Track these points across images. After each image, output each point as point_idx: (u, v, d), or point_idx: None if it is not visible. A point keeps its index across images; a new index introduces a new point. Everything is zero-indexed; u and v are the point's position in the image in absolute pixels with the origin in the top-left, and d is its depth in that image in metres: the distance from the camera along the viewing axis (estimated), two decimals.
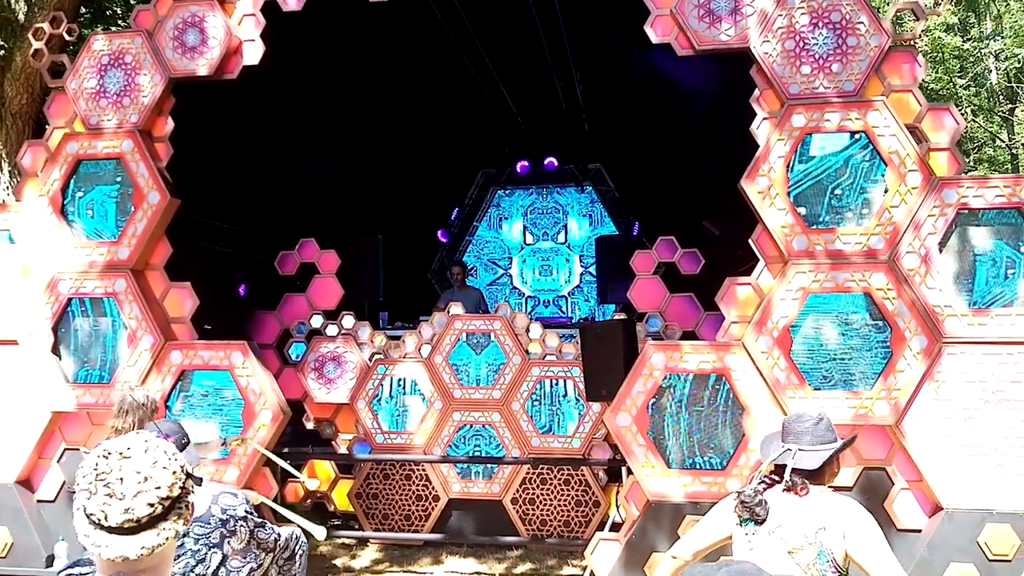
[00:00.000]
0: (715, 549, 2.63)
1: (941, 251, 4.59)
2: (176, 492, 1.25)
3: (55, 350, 5.54)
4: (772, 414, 4.56)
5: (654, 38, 5.09)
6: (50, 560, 5.36)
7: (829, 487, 2.56)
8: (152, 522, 1.23)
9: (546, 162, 11.17)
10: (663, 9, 5.05)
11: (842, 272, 4.65)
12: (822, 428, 2.60)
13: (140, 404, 3.98)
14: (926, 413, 4.49)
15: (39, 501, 5.53)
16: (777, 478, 2.53)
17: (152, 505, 1.22)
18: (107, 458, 1.23)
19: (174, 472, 1.26)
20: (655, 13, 5.08)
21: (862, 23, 4.79)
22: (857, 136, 4.75)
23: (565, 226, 11.35)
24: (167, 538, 1.24)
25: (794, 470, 2.48)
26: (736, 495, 2.53)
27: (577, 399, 6.24)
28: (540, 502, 6.32)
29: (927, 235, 4.60)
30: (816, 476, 2.51)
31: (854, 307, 4.65)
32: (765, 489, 2.51)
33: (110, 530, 1.21)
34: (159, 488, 1.23)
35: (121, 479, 1.22)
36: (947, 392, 4.50)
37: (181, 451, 3.07)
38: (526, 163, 11.25)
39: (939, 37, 17.27)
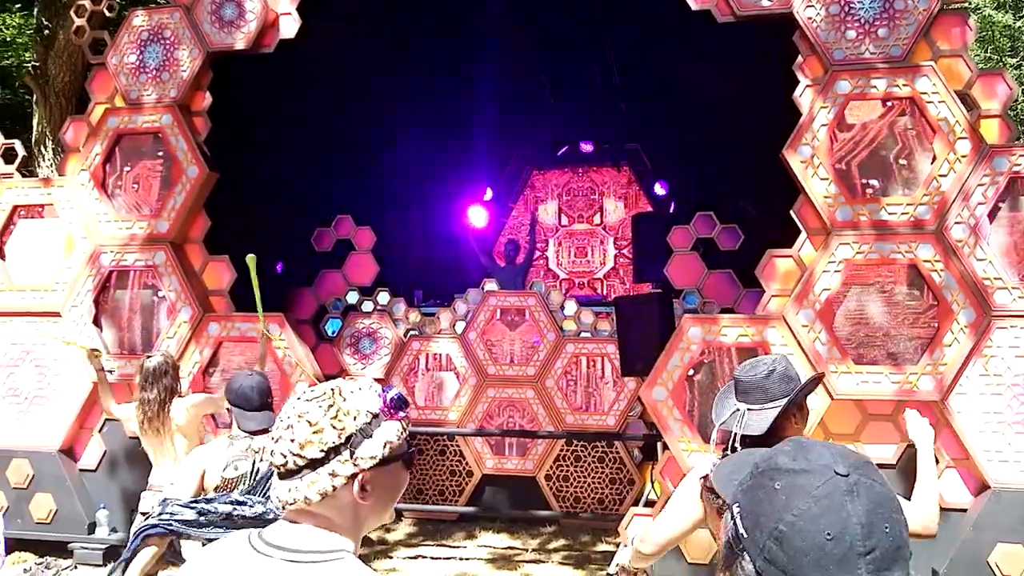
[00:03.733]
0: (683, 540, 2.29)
1: (991, 221, 4.44)
2: (318, 449, 1.19)
3: (96, 322, 5.64)
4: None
5: (694, 5, 4.98)
6: (92, 527, 5.48)
7: None
8: (297, 471, 1.19)
9: (582, 144, 11.07)
10: None
11: (887, 243, 4.52)
12: (774, 380, 2.09)
13: (161, 369, 4.05)
14: (974, 389, 4.35)
15: (81, 470, 5.66)
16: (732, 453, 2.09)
17: (285, 456, 1.20)
18: (291, 404, 1.23)
19: (316, 428, 1.19)
20: None
21: None
22: (904, 102, 4.60)
23: (601, 207, 11.24)
24: (318, 490, 1.18)
25: (742, 438, 2.05)
26: (701, 480, 2.12)
27: (612, 376, 6.18)
28: (574, 479, 6.28)
29: (976, 205, 4.44)
30: (771, 439, 1.96)
31: (900, 279, 4.52)
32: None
33: (276, 473, 1.22)
34: (293, 441, 1.19)
35: (283, 424, 1.22)
36: (996, 367, 4.36)
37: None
38: (566, 147, 11.15)
39: (990, 15, 16.72)
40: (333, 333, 6.65)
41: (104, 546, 5.42)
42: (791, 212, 4.78)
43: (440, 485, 6.49)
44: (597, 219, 11.25)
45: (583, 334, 6.40)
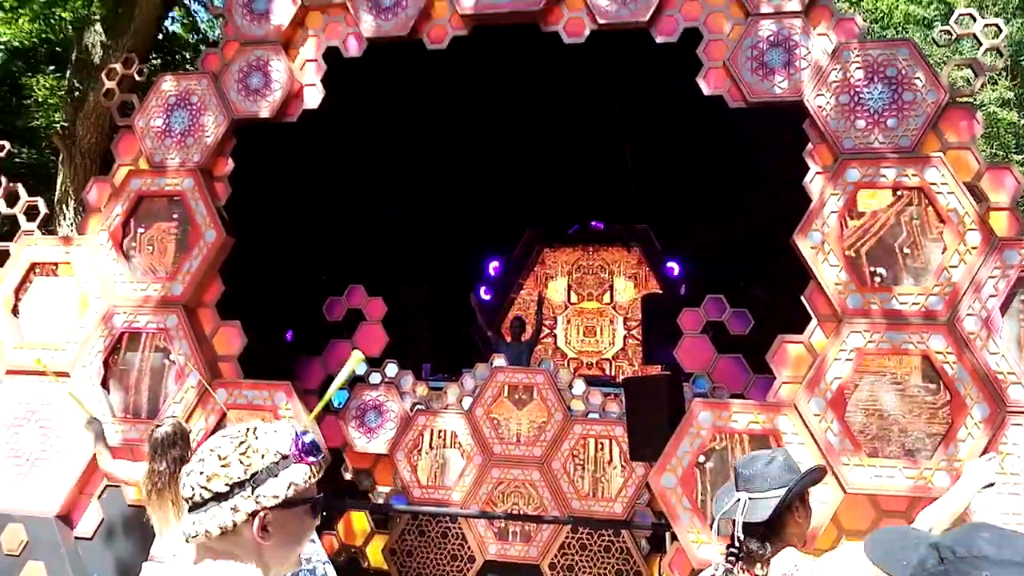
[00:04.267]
0: None
1: (1003, 314, 4.43)
2: (223, 483, 1.20)
3: (104, 383, 5.63)
4: (824, 481, 4.37)
5: (706, 90, 5.11)
6: None
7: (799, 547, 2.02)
8: (203, 503, 1.20)
9: (592, 223, 11.22)
10: (716, 61, 5.09)
11: (899, 333, 4.50)
12: (775, 468, 2.09)
13: (169, 440, 3.97)
14: (991, 487, 4.24)
15: (77, 538, 5.54)
16: (737, 548, 2.05)
17: (192, 489, 1.20)
18: (208, 440, 1.26)
19: (224, 462, 1.21)
20: (708, 65, 5.11)
21: (919, 78, 4.75)
22: (914, 192, 4.66)
23: (611, 286, 11.29)
24: (218, 524, 1.19)
25: (745, 526, 2.00)
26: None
27: (620, 460, 6.08)
28: (579, 569, 6.10)
29: (988, 297, 4.44)
30: (774, 531, 2.02)
31: (912, 370, 4.49)
32: (735, 564, 2.06)
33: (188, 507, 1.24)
34: (202, 474, 1.20)
35: (196, 457, 1.24)
36: (1013, 465, 4.27)
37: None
38: (576, 225, 11.30)
39: (994, 112, 17.07)
40: (339, 405, 6.60)
41: None
42: (802, 298, 4.79)
43: (441, 570, 6.31)
44: (607, 298, 11.28)
45: (591, 415, 6.32)
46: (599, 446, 6.17)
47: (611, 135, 8.58)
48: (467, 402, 6.46)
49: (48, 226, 6.60)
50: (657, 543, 5.87)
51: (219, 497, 1.19)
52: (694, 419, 4.70)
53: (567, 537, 6.13)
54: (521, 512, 6.15)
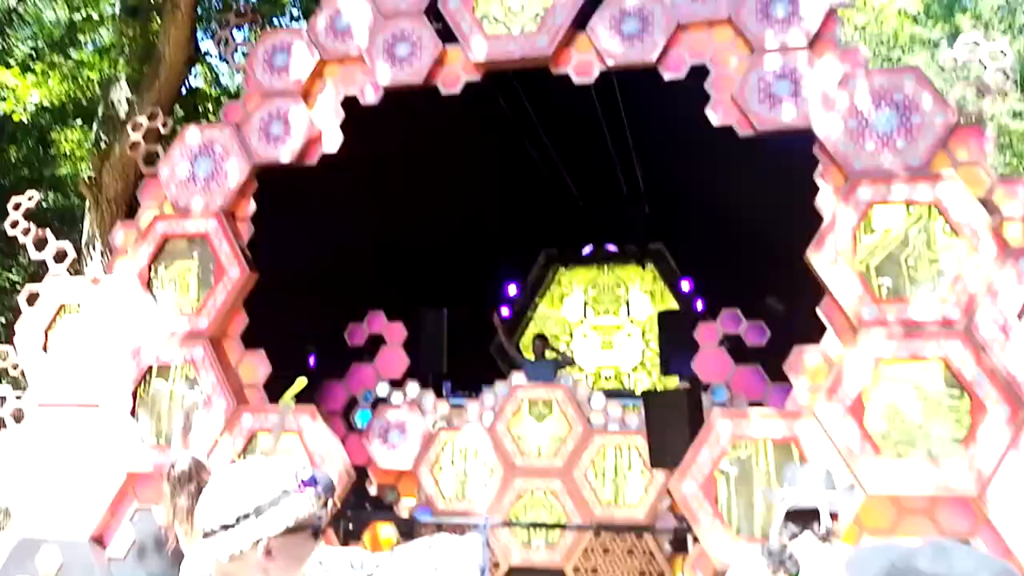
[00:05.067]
0: None
1: (1020, 320, 4.48)
2: (232, 515, 1.36)
3: (134, 413, 5.76)
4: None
5: (715, 121, 5.21)
6: None
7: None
8: (213, 533, 1.37)
9: (607, 245, 11.33)
10: (724, 94, 5.19)
11: (916, 340, 4.56)
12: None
13: (186, 476, 4.02)
14: (1012, 484, 4.28)
15: (109, 559, 5.65)
16: (797, 528, 2.28)
17: (204, 519, 1.38)
18: (220, 474, 1.44)
19: (232, 495, 1.38)
20: (716, 98, 5.21)
21: (926, 102, 4.81)
22: (926, 208, 4.72)
23: (627, 302, 11.37)
24: (228, 552, 1.35)
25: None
26: (766, 555, 2.24)
27: (641, 468, 6.13)
28: (603, 572, 6.13)
29: (1004, 305, 4.49)
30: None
31: (931, 376, 4.54)
32: (792, 538, 2.27)
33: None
34: (212, 507, 1.38)
35: (208, 491, 1.42)
36: None
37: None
38: (591, 246, 11.42)
39: (1005, 123, 17.09)
40: (363, 425, 6.70)
41: None
42: (817, 310, 4.85)
43: None
44: (623, 312, 11.35)
45: (611, 426, 6.38)
46: (619, 455, 6.23)
47: (624, 157, 8.70)
48: (488, 418, 6.55)
49: (75, 268, 6.78)
50: (679, 545, 5.91)
51: (227, 528, 1.37)
52: (714, 428, 4.77)
53: (590, 543, 6.17)
54: (544, 520, 6.21)
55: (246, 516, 1.36)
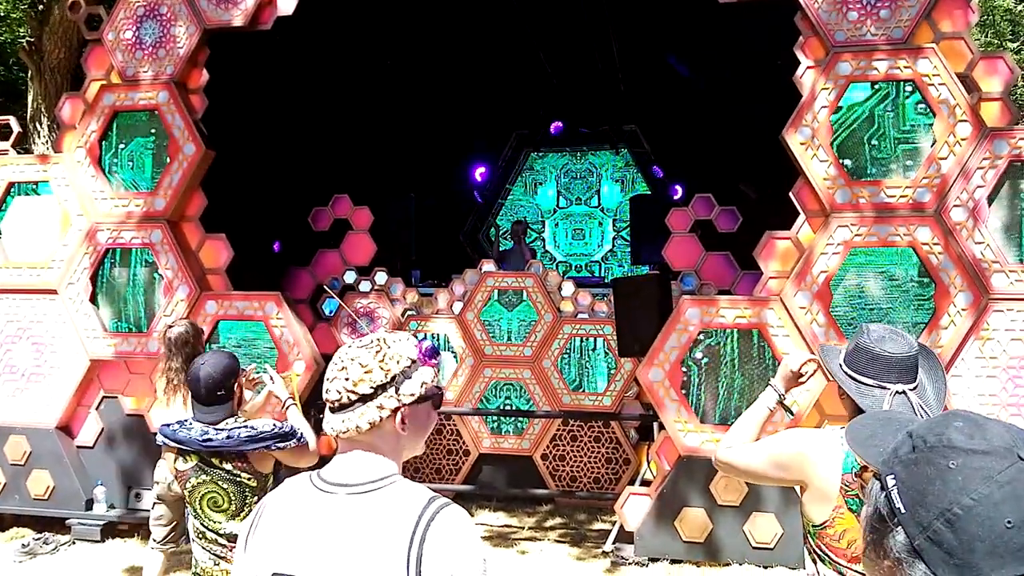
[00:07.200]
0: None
1: (990, 204, 4.44)
2: (368, 386, 1.41)
3: (93, 299, 5.63)
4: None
5: None
6: (89, 504, 5.50)
7: None
8: (350, 404, 1.42)
9: (580, 129, 11.03)
10: None
11: (886, 225, 4.52)
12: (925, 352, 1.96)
13: (182, 338, 4.01)
14: (970, 371, 4.37)
15: (79, 447, 5.67)
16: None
17: (340, 392, 1.42)
18: (343, 351, 1.47)
19: (367, 369, 1.42)
20: None
21: None
22: (905, 84, 4.59)
23: (598, 190, 11.22)
24: (368, 420, 1.41)
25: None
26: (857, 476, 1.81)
27: (608, 356, 6.19)
28: (570, 458, 6.31)
29: (976, 187, 4.44)
30: None
31: (897, 261, 4.53)
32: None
33: (328, 408, 1.45)
34: (348, 380, 1.42)
35: (337, 367, 1.45)
36: (992, 349, 4.38)
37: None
38: (559, 124, 11.10)
39: None
40: (330, 313, 6.65)
41: (102, 522, 5.44)
42: (790, 194, 4.78)
43: (437, 464, 6.52)
44: (595, 201, 11.22)
45: (580, 315, 6.40)
46: (588, 344, 6.28)
47: (598, 32, 8.33)
48: (457, 307, 6.52)
49: (23, 144, 6.43)
50: (645, 433, 6.07)
51: (365, 399, 1.42)
52: (682, 315, 4.77)
53: (558, 429, 6.32)
54: (513, 408, 6.31)
55: (383, 387, 1.41)
